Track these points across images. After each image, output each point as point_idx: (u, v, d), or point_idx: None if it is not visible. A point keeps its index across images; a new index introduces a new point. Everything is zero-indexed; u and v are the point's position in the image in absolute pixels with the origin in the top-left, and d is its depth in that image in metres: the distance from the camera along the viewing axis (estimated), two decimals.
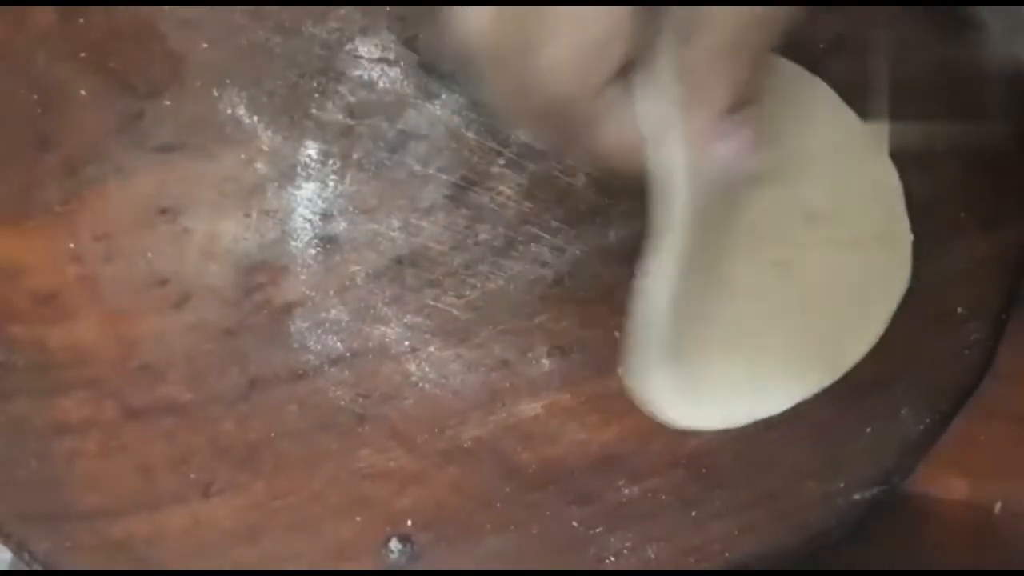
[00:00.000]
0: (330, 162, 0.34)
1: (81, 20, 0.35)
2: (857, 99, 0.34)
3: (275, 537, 0.31)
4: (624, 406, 0.32)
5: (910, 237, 0.33)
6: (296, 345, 0.33)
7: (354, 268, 0.33)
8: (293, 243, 0.34)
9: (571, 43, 0.24)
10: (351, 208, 0.34)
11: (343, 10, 0.35)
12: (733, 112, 0.26)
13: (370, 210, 0.34)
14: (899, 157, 0.34)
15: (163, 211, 0.34)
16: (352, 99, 0.35)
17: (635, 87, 0.26)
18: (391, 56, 0.35)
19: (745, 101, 0.27)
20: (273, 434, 0.32)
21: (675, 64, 0.26)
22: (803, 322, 0.33)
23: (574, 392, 0.33)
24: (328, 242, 0.34)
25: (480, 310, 0.33)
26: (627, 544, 0.31)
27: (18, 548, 0.31)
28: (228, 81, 0.35)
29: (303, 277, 0.33)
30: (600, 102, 0.26)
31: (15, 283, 0.33)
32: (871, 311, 0.33)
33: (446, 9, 0.25)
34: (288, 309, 0.33)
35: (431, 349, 0.33)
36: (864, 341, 0.33)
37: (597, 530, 0.31)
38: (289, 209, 0.34)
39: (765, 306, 0.33)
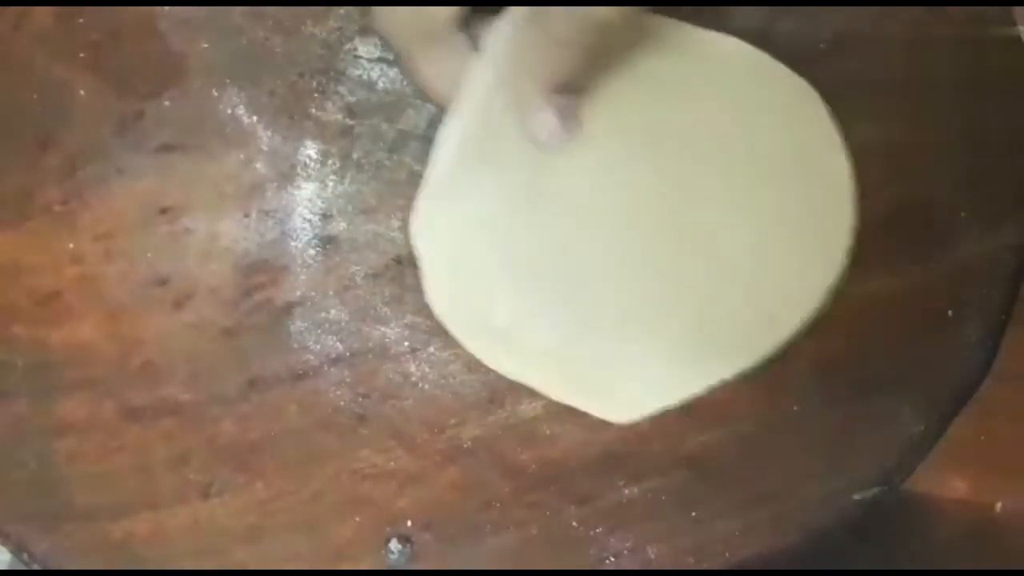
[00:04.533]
0: (330, 162, 0.34)
1: (81, 20, 0.35)
2: (857, 99, 0.34)
3: (275, 537, 0.31)
4: None
5: (850, 178, 0.33)
6: (296, 345, 0.33)
7: (354, 268, 0.33)
8: (293, 243, 0.34)
9: None
10: (351, 208, 0.34)
11: (343, 10, 0.35)
12: (558, 93, 0.31)
13: (370, 210, 0.34)
14: (898, 158, 0.34)
15: (163, 211, 0.34)
16: (352, 99, 0.35)
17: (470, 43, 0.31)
18: (391, 56, 0.35)
19: (573, 88, 0.32)
20: (273, 434, 0.32)
21: (511, 36, 0.31)
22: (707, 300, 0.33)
23: None
24: (328, 242, 0.34)
25: None
26: (627, 544, 0.31)
27: (18, 548, 0.31)
28: (228, 81, 0.35)
29: (303, 277, 0.33)
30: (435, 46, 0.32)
31: (15, 283, 0.33)
32: (807, 274, 0.33)
33: None
34: (288, 309, 0.33)
35: (431, 349, 0.33)
36: (798, 311, 0.33)
37: (597, 530, 0.31)
38: (289, 209, 0.34)
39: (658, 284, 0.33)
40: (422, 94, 0.34)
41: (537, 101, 0.31)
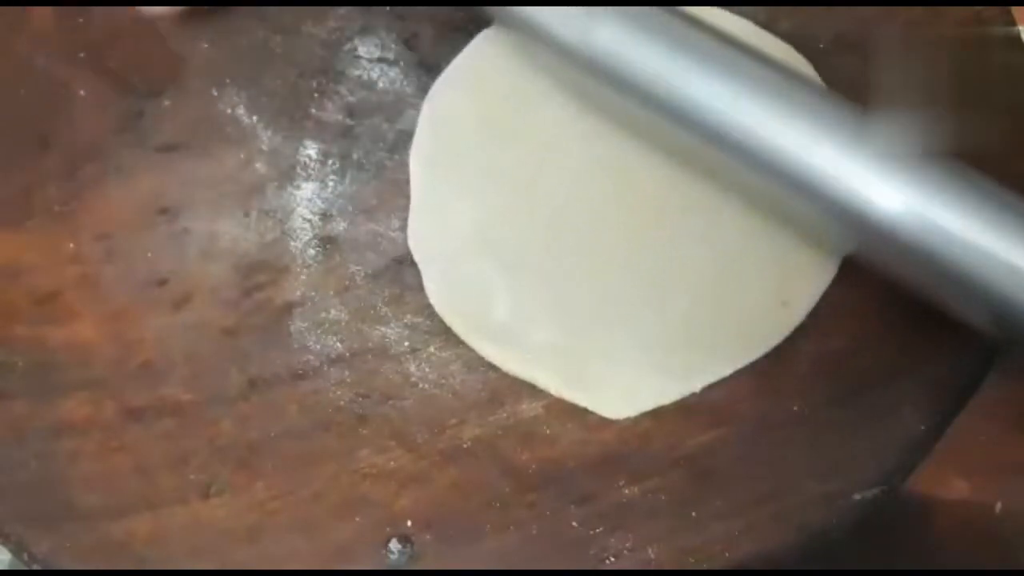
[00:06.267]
0: (330, 162, 0.34)
1: (81, 20, 0.35)
2: (857, 99, 0.34)
3: (275, 537, 0.31)
4: None
5: None
6: (296, 345, 0.33)
7: (354, 268, 0.33)
8: (293, 243, 0.34)
9: None
10: (351, 208, 0.34)
11: (343, 10, 0.35)
12: None
13: (370, 210, 0.34)
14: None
15: (163, 211, 0.34)
16: (352, 99, 0.35)
17: None
18: (391, 56, 0.35)
19: None
20: (273, 434, 0.32)
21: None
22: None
23: None
24: (328, 242, 0.34)
25: None
26: (627, 544, 0.31)
27: (17, 548, 0.31)
28: (228, 81, 0.35)
29: (303, 277, 0.33)
30: None
31: (15, 283, 0.33)
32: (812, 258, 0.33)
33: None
34: (288, 309, 0.33)
35: (431, 349, 0.33)
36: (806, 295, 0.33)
37: (597, 530, 0.31)
38: (289, 209, 0.34)
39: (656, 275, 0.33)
40: (424, 95, 0.34)
41: None
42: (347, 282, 0.33)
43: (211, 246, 0.33)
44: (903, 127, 0.27)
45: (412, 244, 0.33)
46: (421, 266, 0.33)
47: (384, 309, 0.33)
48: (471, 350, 0.33)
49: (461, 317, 0.33)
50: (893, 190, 0.26)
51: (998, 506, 0.36)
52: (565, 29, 0.29)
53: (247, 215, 0.34)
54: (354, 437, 0.32)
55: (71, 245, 0.33)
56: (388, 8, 0.35)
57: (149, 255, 0.33)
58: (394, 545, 0.31)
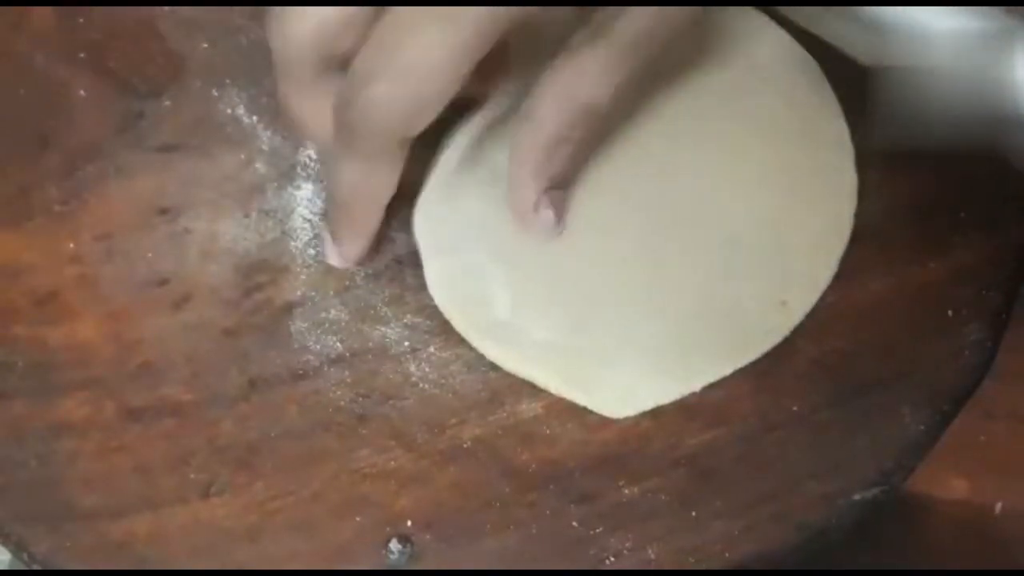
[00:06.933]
0: None
1: (81, 20, 0.35)
2: (857, 98, 0.34)
3: (275, 537, 0.31)
4: None
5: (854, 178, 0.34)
6: (296, 345, 0.33)
7: (354, 268, 0.33)
8: (293, 243, 0.34)
9: (408, 86, 0.25)
10: None
11: None
12: (550, 189, 0.31)
13: None
14: (898, 157, 0.34)
15: (163, 211, 0.34)
16: None
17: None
18: None
19: (562, 182, 0.32)
20: (273, 434, 0.32)
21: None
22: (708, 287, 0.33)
23: None
24: None
25: None
26: (627, 544, 0.31)
27: (17, 548, 0.31)
28: (228, 81, 0.35)
29: (303, 277, 0.33)
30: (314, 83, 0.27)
31: (15, 283, 0.33)
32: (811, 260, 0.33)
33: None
34: (288, 309, 0.33)
35: (431, 349, 0.33)
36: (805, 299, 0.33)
37: (597, 530, 0.31)
38: (289, 209, 0.34)
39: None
40: None
41: (534, 201, 0.31)
42: (347, 282, 0.33)
43: (211, 246, 0.33)
44: None
45: (418, 237, 0.33)
46: (424, 261, 0.33)
47: (384, 309, 0.33)
48: (471, 350, 0.33)
49: (462, 314, 0.33)
50: None
51: (998, 506, 0.36)
52: None
53: (247, 215, 0.34)
54: (354, 437, 0.32)
55: (71, 245, 0.33)
56: None
57: (149, 255, 0.33)
58: (394, 545, 0.31)
